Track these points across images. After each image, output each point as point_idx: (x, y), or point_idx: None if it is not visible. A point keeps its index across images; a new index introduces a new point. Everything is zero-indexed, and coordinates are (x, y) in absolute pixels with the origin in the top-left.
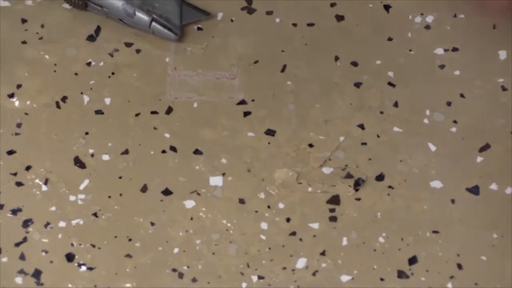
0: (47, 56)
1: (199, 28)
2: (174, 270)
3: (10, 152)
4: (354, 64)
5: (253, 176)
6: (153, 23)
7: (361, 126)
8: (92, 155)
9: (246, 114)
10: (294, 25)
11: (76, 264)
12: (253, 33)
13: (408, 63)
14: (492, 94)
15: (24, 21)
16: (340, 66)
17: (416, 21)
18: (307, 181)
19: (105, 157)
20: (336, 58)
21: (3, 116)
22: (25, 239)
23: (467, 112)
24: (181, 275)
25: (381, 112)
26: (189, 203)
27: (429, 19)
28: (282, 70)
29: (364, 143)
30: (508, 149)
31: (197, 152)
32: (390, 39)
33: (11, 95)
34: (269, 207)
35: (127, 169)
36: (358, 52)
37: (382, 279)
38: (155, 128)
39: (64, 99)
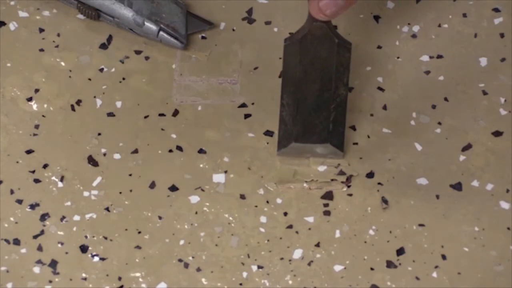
0: (62, 63)
1: (203, 37)
2: (180, 260)
3: (29, 152)
4: None
5: (253, 173)
6: (161, 32)
7: (353, 128)
8: (105, 154)
9: (247, 116)
10: (291, 34)
11: (89, 255)
12: (253, 42)
13: (396, 69)
14: (474, 98)
15: (41, 30)
16: None
17: (404, 31)
18: (303, 178)
19: (117, 156)
20: None
21: (22, 118)
22: (42, 232)
23: (451, 114)
24: (186, 265)
25: (371, 115)
26: (194, 199)
27: (416, 28)
28: (280, 76)
29: (356, 143)
30: (488, 149)
31: (201, 151)
32: (379, 47)
33: (30, 99)
34: (268, 202)
35: (137, 167)
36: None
37: (372, 269)
38: (162, 129)
39: (78, 102)
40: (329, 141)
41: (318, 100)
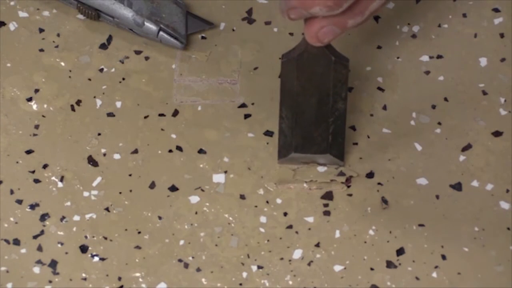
0: (62, 63)
1: (203, 37)
2: (180, 260)
3: (29, 152)
4: None
5: (253, 173)
6: (161, 33)
7: (353, 128)
8: (104, 154)
9: (247, 116)
10: (291, 34)
11: (89, 255)
12: (253, 42)
13: (396, 70)
14: (474, 98)
15: (41, 30)
16: None
17: (404, 31)
18: (303, 179)
19: (116, 156)
20: None
21: (22, 118)
22: (42, 232)
23: (451, 114)
24: (186, 265)
25: (371, 115)
26: (194, 199)
27: (416, 28)
28: (280, 76)
29: (356, 143)
30: (488, 149)
31: (201, 151)
32: (379, 47)
33: (30, 99)
34: (267, 202)
35: (137, 167)
36: (350, 59)
37: (372, 269)
38: (162, 129)
39: (78, 102)
40: (329, 152)
41: (316, 113)
